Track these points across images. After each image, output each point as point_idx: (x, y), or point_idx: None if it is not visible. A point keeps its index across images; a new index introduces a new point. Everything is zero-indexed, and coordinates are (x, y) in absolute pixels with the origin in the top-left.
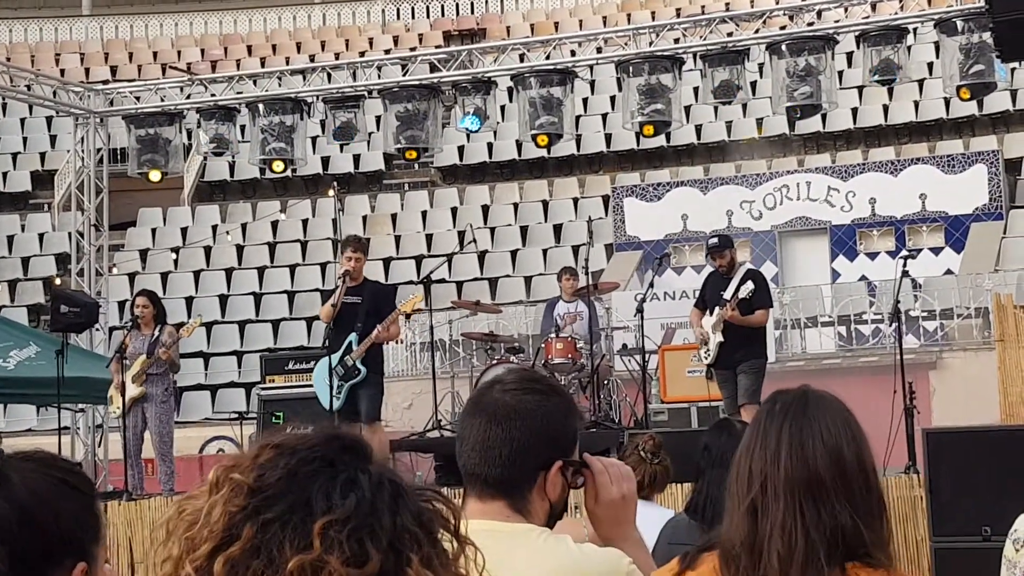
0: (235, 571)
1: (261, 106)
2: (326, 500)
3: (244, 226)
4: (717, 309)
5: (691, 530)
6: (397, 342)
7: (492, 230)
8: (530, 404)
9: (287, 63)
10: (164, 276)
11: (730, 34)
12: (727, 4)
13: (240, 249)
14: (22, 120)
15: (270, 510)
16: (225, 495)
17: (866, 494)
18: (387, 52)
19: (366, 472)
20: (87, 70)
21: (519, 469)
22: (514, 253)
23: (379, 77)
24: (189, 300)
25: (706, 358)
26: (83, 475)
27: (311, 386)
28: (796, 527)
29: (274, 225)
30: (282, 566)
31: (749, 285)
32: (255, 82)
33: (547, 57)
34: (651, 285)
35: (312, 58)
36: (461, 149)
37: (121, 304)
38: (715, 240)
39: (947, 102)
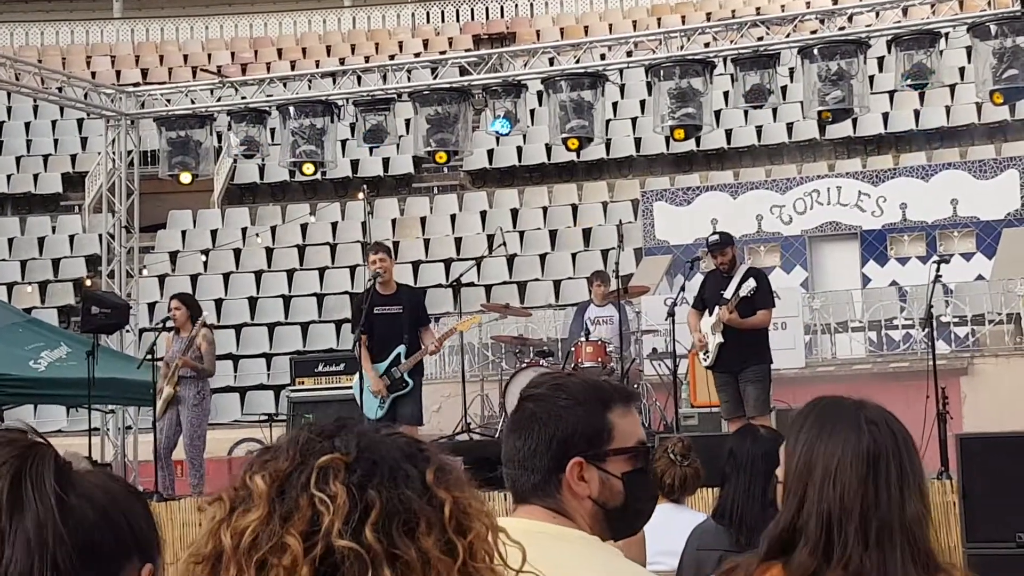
0: (381, 533)
1: (291, 109)
2: (408, 458)
3: (274, 229)
4: (717, 309)
5: (719, 535)
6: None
7: (521, 234)
8: (531, 408)
9: (317, 66)
10: (194, 278)
11: (761, 38)
12: (758, 8)
13: (269, 251)
14: (53, 122)
15: (376, 475)
16: (330, 477)
17: (929, 511)
18: (417, 55)
19: (391, 433)
20: (118, 73)
21: (533, 472)
22: (543, 257)
23: (409, 80)
24: (219, 302)
25: (705, 361)
26: (136, 489)
27: (340, 388)
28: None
29: (303, 228)
30: (420, 515)
31: (751, 283)
32: (285, 85)
33: (577, 60)
34: (682, 289)
35: (342, 61)
36: (491, 152)
37: (151, 306)
38: (716, 237)
39: (979, 107)
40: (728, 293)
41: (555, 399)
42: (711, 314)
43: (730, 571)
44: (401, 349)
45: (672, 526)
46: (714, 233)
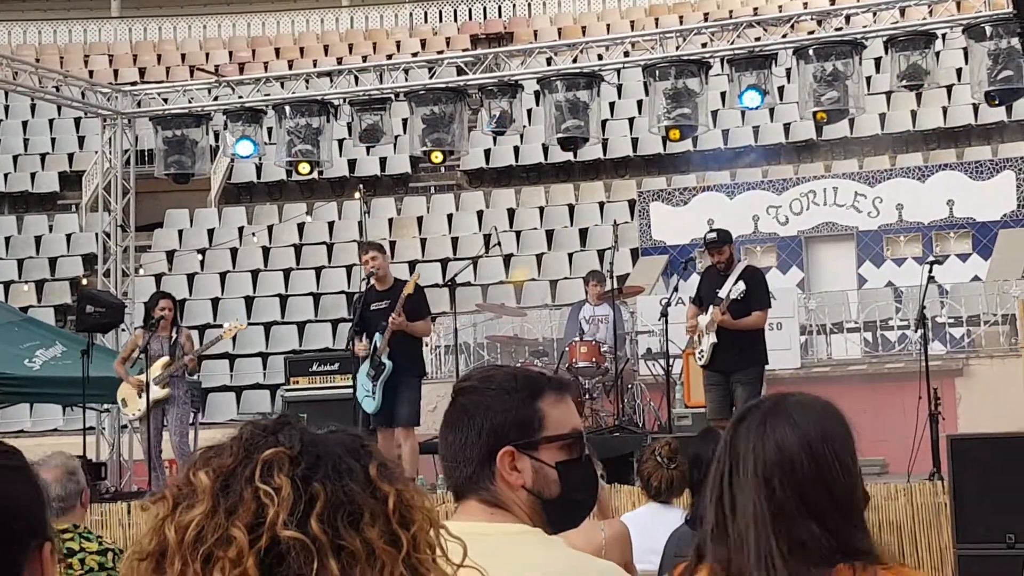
0: (326, 525)
1: (288, 108)
2: (350, 452)
3: (270, 228)
4: (712, 307)
5: (693, 542)
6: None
7: (517, 234)
8: (461, 402)
9: (314, 65)
10: (190, 277)
11: (757, 39)
12: (755, 9)
13: (266, 251)
14: (51, 121)
15: (320, 468)
16: (275, 470)
17: (848, 491)
18: (414, 55)
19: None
20: (115, 72)
21: (466, 464)
22: (539, 257)
23: (406, 80)
24: (215, 301)
25: (700, 360)
26: (6, 449)
27: (335, 388)
28: (768, 529)
29: (300, 227)
30: (364, 507)
31: (740, 286)
32: (282, 84)
33: (574, 61)
34: (676, 290)
35: (339, 61)
36: (487, 152)
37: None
38: (713, 235)
39: (975, 108)
40: (723, 292)
41: (484, 390)
42: (707, 312)
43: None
44: (377, 337)
45: (659, 526)
46: (712, 231)
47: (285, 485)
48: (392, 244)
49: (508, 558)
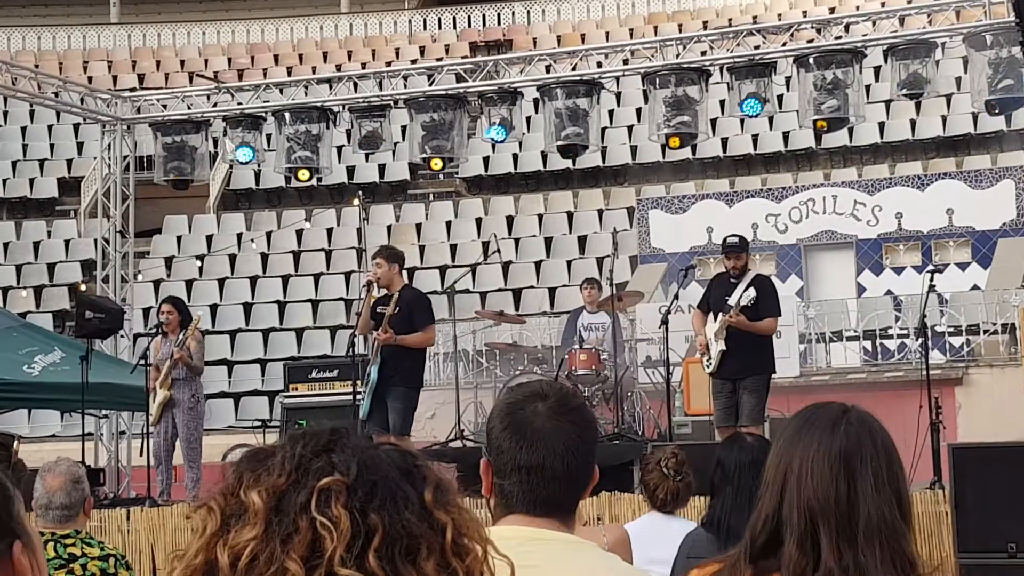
0: (384, 559)
1: (287, 114)
2: (405, 475)
3: (269, 234)
4: (720, 315)
5: (709, 544)
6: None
7: (516, 241)
8: (576, 423)
9: (314, 72)
10: (189, 283)
11: (757, 47)
12: (754, 17)
13: (265, 257)
14: (49, 127)
15: (376, 496)
16: (332, 499)
17: (910, 525)
18: (414, 62)
19: (382, 446)
20: (115, 78)
21: (574, 492)
22: (538, 264)
23: (405, 87)
24: (214, 308)
25: (707, 367)
26: None
27: (334, 395)
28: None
29: (299, 234)
30: (421, 539)
31: (751, 293)
32: (281, 91)
33: (573, 68)
34: (676, 297)
35: (339, 67)
36: (486, 160)
37: (146, 311)
38: (735, 239)
39: (975, 117)
40: (732, 299)
41: (589, 414)
42: (715, 319)
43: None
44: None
45: (663, 535)
46: (733, 235)
47: (343, 518)
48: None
49: (575, 563)
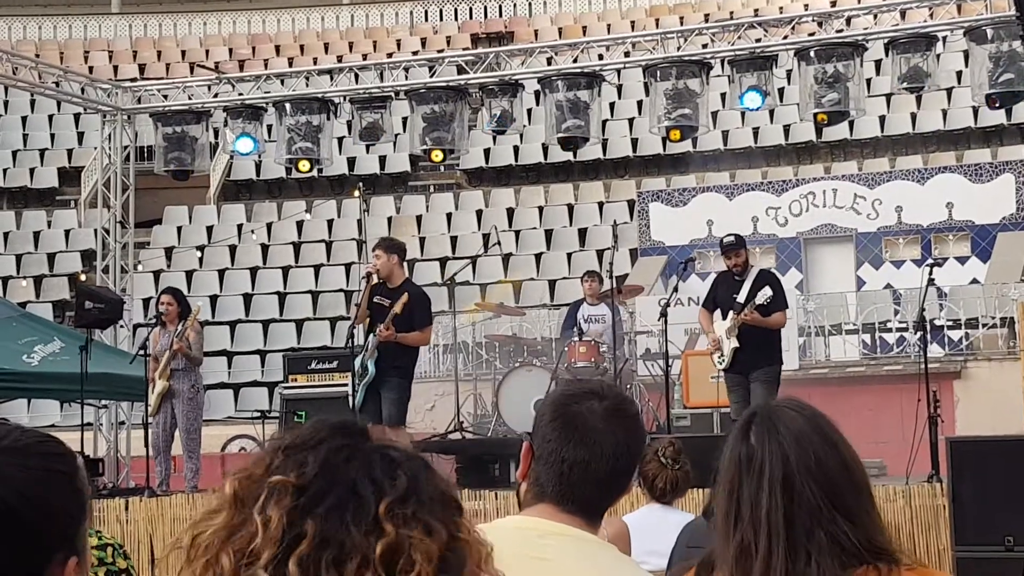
0: (308, 567)
1: (288, 105)
2: (372, 483)
3: (269, 226)
4: (731, 314)
5: (709, 533)
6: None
7: (517, 233)
8: (628, 430)
9: (315, 63)
10: (189, 274)
11: (758, 40)
12: (756, 10)
13: (265, 248)
14: (50, 117)
15: (323, 502)
16: (272, 499)
17: (868, 488)
18: (415, 54)
19: (395, 450)
20: (115, 68)
21: (609, 496)
22: (538, 256)
23: (406, 78)
24: (214, 299)
25: (720, 363)
26: (62, 452)
27: (333, 386)
28: (784, 536)
29: (299, 225)
30: (355, 552)
31: (767, 291)
32: (282, 82)
33: (574, 60)
34: (675, 290)
35: (340, 59)
36: (487, 152)
37: (146, 301)
38: (731, 238)
39: (975, 111)
40: (741, 297)
41: (640, 420)
42: (724, 317)
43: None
44: (371, 339)
45: (661, 527)
46: (729, 234)
47: (275, 520)
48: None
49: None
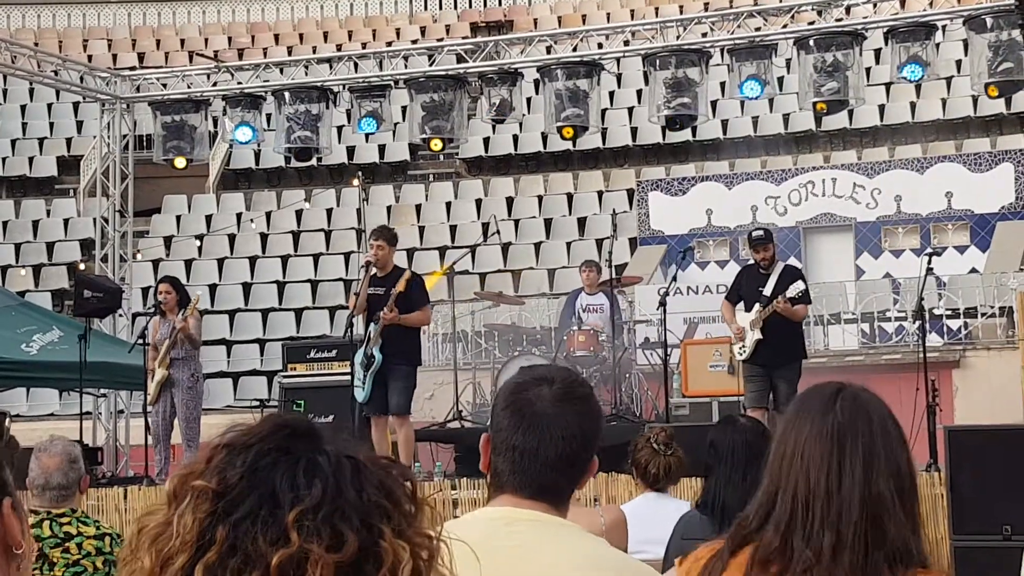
0: (214, 574)
1: (287, 94)
2: (292, 490)
3: (268, 214)
4: (756, 306)
5: (704, 525)
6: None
7: (516, 222)
8: (579, 412)
9: (314, 52)
10: (188, 263)
11: (758, 29)
12: None
13: (264, 237)
14: (49, 105)
15: (238, 509)
16: (191, 503)
17: (915, 502)
18: (414, 42)
19: (324, 454)
20: (114, 56)
21: (568, 479)
22: (538, 245)
23: (406, 67)
24: (213, 287)
25: (741, 354)
26: None
27: (333, 375)
28: (857, 544)
29: (298, 214)
30: (259, 561)
31: (800, 285)
32: (282, 70)
33: (574, 49)
34: (674, 279)
35: (339, 47)
36: (487, 140)
37: (144, 290)
38: (760, 232)
39: (975, 100)
40: (767, 290)
41: (593, 400)
42: (747, 310)
43: (708, 562)
44: (372, 327)
45: (656, 515)
46: (758, 228)
47: (189, 523)
48: (393, 231)
49: (557, 544)
